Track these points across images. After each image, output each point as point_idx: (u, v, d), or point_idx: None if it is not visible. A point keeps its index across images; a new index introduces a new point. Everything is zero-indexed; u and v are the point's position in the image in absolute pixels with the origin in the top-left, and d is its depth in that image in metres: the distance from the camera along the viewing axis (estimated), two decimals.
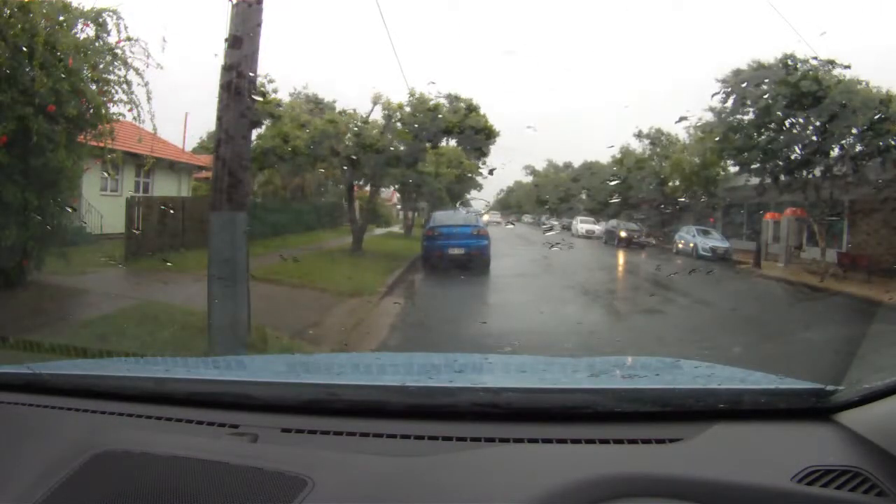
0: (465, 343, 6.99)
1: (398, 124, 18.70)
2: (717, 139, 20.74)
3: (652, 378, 2.27)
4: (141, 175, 19.27)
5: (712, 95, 18.39)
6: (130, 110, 9.41)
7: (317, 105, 19.62)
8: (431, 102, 18.59)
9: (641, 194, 29.35)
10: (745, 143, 19.05)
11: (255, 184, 23.22)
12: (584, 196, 36.47)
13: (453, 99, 19.31)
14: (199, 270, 6.90)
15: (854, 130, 16.96)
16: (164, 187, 20.62)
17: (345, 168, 19.40)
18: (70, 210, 9.24)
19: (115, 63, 9.09)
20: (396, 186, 25.69)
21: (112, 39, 9.03)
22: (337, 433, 1.66)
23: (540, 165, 43.79)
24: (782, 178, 18.93)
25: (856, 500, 1.36)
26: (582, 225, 32.95)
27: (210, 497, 1.44)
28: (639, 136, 29.80)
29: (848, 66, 17.10)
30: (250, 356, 4.37)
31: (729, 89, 19.33)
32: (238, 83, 6.21)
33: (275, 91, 18.65)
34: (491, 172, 27.66)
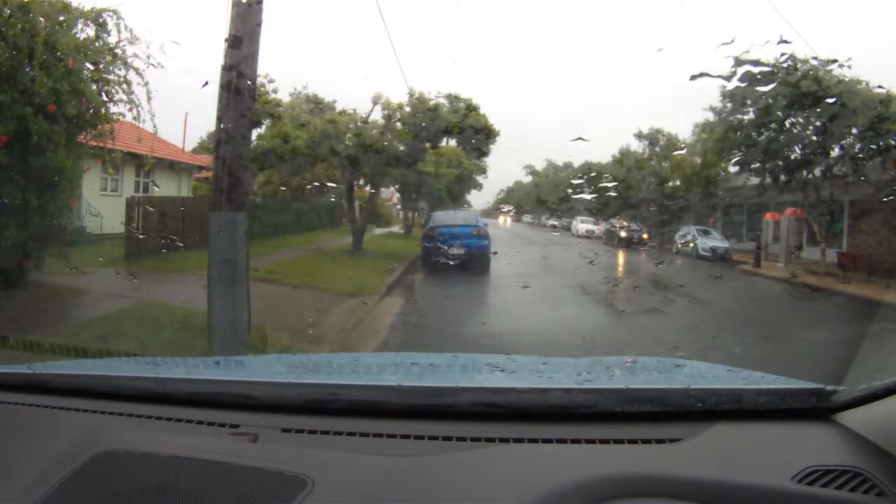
0: (466, 343, 6.99)
1: (398, 124, 18.71)
2: (717, 139, 20.74)
3: (652, 378, 2.27)
4: (141, 175, 19.28)
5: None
6: (130, 110, 9.41)
7: (317, 105, 19.61)
8: (431, 102, 18.60)
9: (641, 194, 29.37)
10: (745, 142, 19.05)
11: (255, 184, 23.22)
12: (584, 196, 36.48)
13: (453, 99, 19.32)
14: (199, 270, 6.90)
15: (854, 130, 16.96)
16: (165, 187, 20.64)
17: (345, 168, 19.42)
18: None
19: (116, 63, 9.07)
20: (396, 186, 25.72)
21: (112, 39, 9.02)
22: (337, 433, 1.66)
23: (540, 165, 43.76)
24: (782, 178, 18.93)
25: (856, 500, 1.36)
26: (582, 225, 32.95)
27: (210, 497, 1.44)
28: (639, 136, 29.84)
29: (848, 66, 17.09)
30: (250, 356, 4.36)
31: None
32: (238, 83, 6.22)
33: (275, 91, 18.68)
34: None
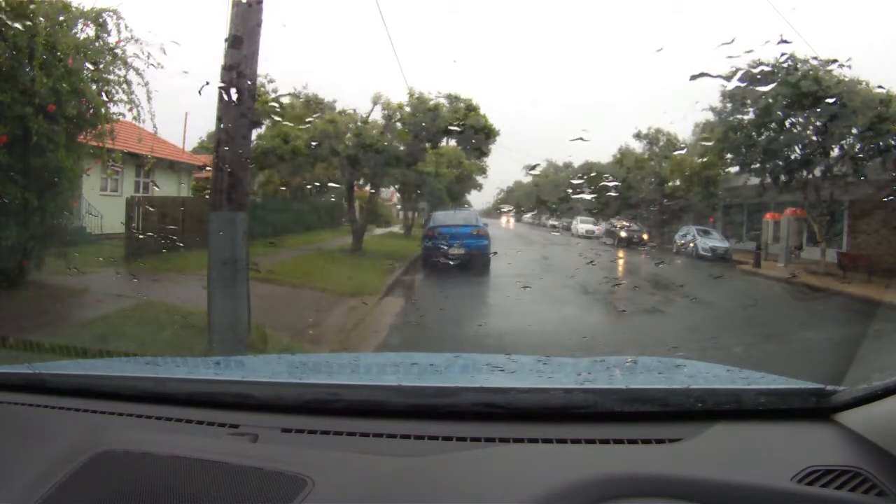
0: (466, 343, 6.98)
1: (398, 124, 18.72)
2: (717, 139, 20.73)
3: (652, 378, 2.27)
4: (141, 175, 19.29)
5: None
6: (130, 110, 9.41)
7: (317, 105, 19.63)
8: (431, 102, 18.61)
9: (641, 194, 29.36)
10: (745, 142, 19.05)
11: (255, 184, 23.22)
12: (584, 196, 36.44)
13: (453, 99, 19.33)
14: (200, 270, 6.90)
15: (854, 130, 16.95)
16: (165, 187, 20.65)
17: (345, 168, 19.43)
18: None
19: (116, 63, 9.07)
20: (396, 186, 25.71)
21: (112, 39, 9.02)
22: (337, 433, 1.66)
23: (539, 165, 43.65)
24: (782, 178, 18.93)
25: (856, 500, 1.36)
26: (582, 225, 32.94)
27: (210, 497, 1.44)
28: (638, 136, 29.84)
29: (848, 66, 17.08)
30: (250, 356, 4.37)
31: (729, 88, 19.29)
32: (238, 83, 6.21)
33: (275, 91, 18.69)
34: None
